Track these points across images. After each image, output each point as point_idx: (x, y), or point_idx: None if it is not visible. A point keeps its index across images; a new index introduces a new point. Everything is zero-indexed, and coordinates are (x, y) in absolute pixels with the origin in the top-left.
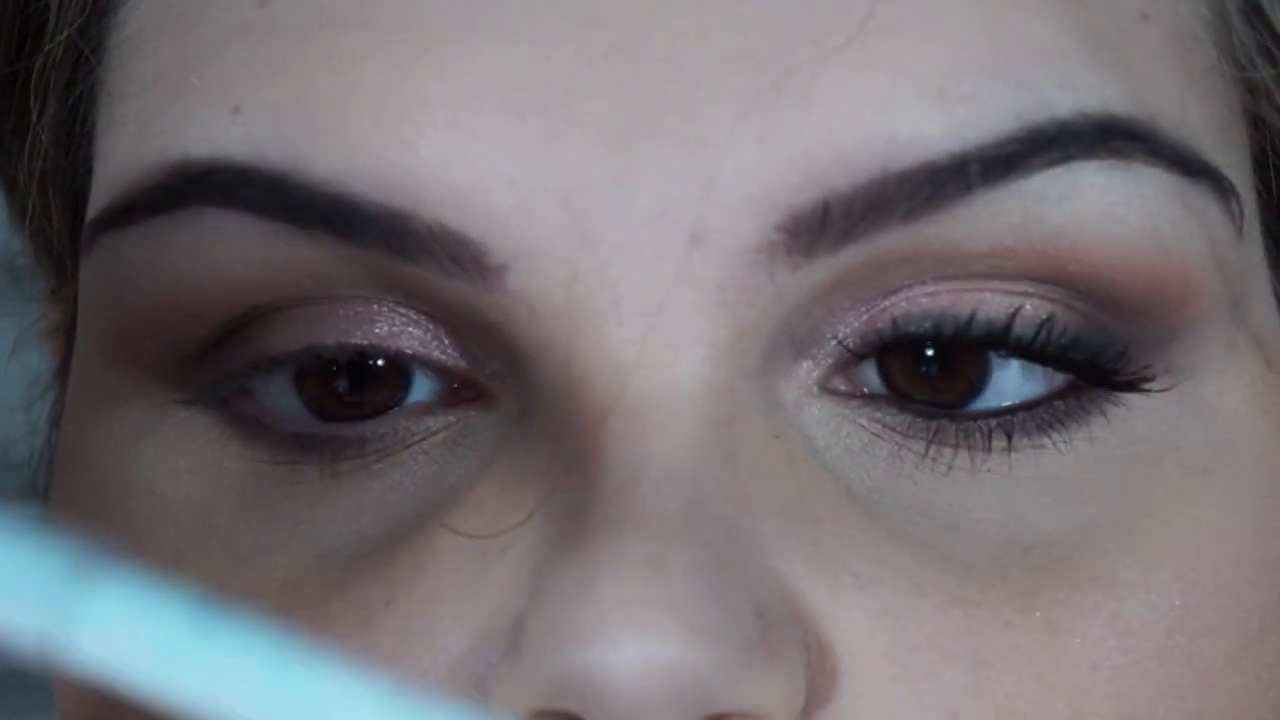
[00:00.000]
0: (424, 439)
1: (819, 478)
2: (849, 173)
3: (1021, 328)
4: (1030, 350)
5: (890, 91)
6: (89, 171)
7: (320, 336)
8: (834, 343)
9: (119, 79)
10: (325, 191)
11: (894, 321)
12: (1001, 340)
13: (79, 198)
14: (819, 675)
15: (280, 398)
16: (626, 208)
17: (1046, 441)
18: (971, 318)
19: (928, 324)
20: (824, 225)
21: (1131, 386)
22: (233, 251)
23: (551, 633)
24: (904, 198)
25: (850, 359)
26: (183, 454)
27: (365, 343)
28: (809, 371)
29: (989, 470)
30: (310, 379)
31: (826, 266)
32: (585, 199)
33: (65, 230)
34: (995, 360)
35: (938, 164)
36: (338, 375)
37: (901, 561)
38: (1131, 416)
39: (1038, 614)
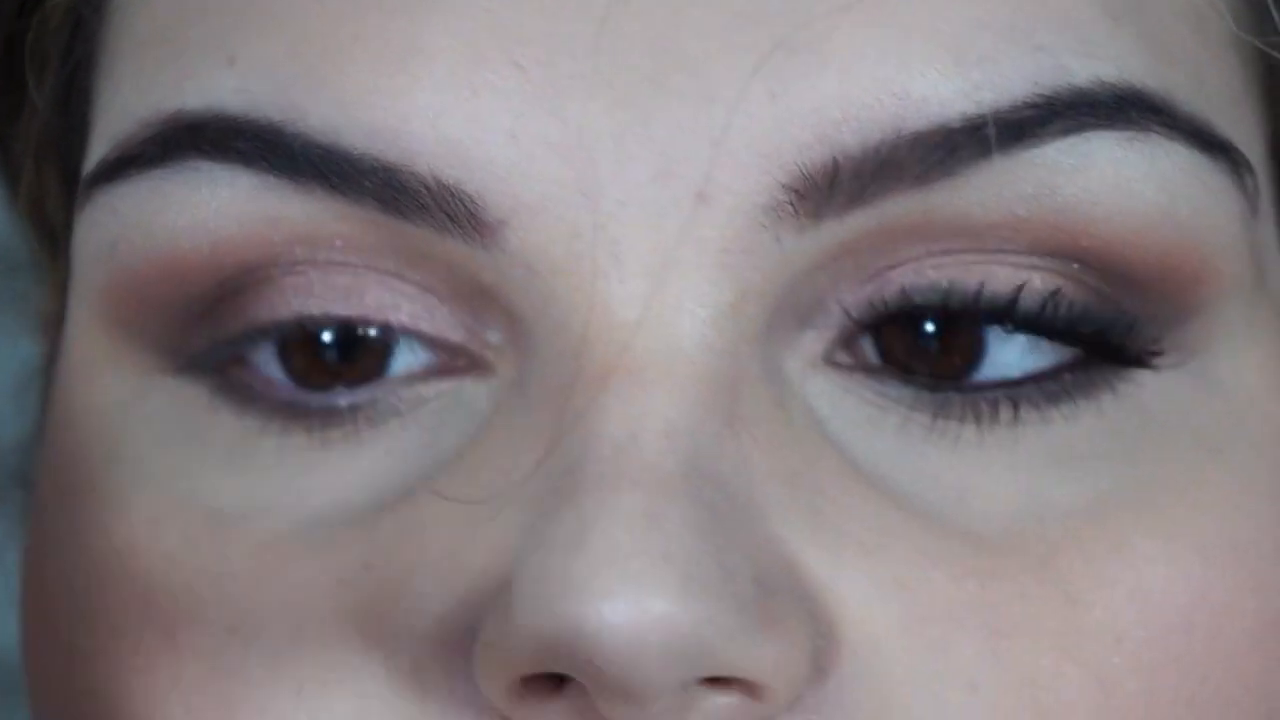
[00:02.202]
0: (416, 407)
1: (822, 449)
2: (860, 131)
3: (1027, 302)
4: (1037, 324)
5: (905, 50)
6: (85, 141)
7: (307, 306)
8: (837, 310)
9: (117, 37)
10: (319, 142)
11: (901, 290)
12: (1007, 314)
13: (75, 168)
14: (825, 646)
15: (270, 366)
16: (630, 164)
17: (1054, 414)
18: (979, 291)
19: (935, 296)
20: (833, 186)
21: (1140, 362)
22: (225, 206)
23: (541, 586)
24: (916, 160)
25: (853, 329)
26: (172, 422)
27: (354, 314)
28: (813, 342)
29: (997, 443)
30: (297, 348)
31: (833, 232)
32: (587, 154)
33: (60, 203)
34: (994, 333)
35: (952, 126)
36: (324, 345)
37: (910, 531)
38: (1141, 393)
39: (1055, 585)
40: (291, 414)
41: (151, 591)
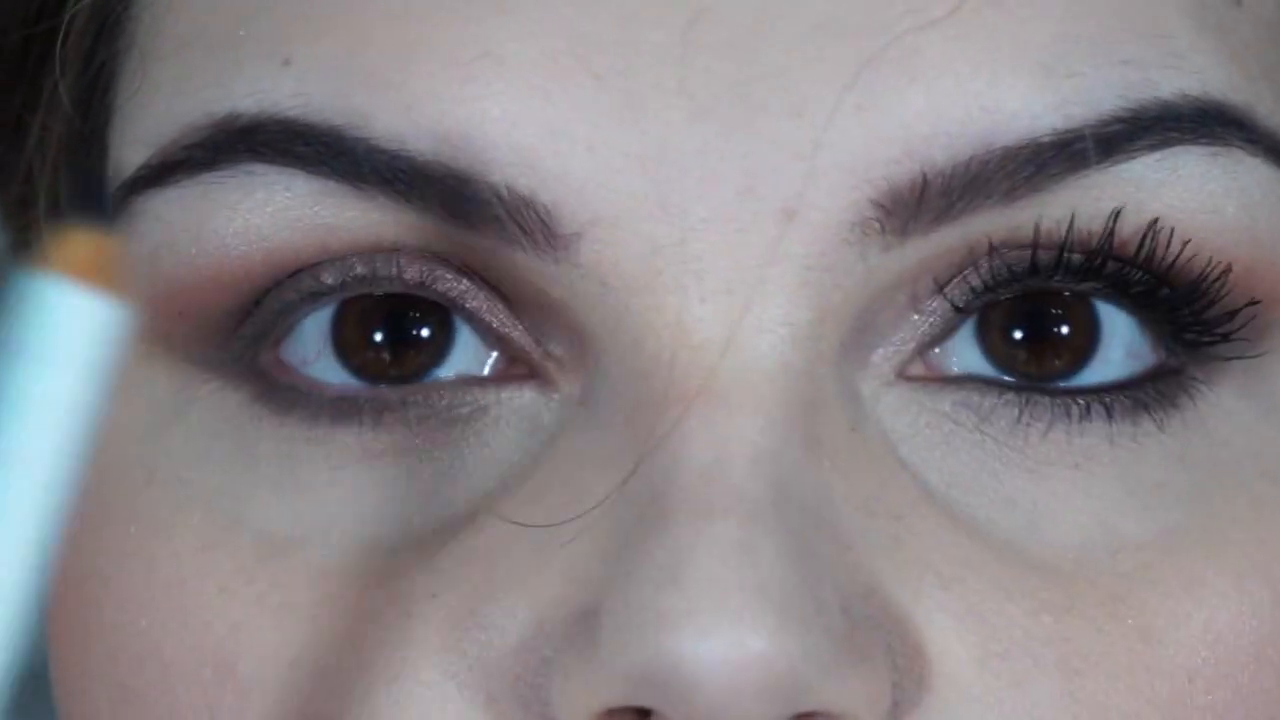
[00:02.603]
0: (473, 416)
1: (897, 473)
2: (950, 147)
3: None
4: (1137, 259)
5: (994, 64)
6: (105, 150)
7: (369, 272)
8: (916, 319)
9: (151, 39)
10: (384, 148)
11: (981, 276)
12: (1101, 254)
13: (92, 176)
14: (905, 679)
15: (314, 356)
16: (713, 178)
17: (1145, 421)
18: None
19: (1020, 266)
20: (920, 202)
21: (1226, 338)
22: (280, 211)
23: (634, 619)
24: (1005, 176)
25: (950, 319)
26: (213, 437)
27: (415, 280)
28: (885, 359)
29: (1075, 465)
30: (349, 332)
31: (917, 249)
32: (669, 167)
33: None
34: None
35: (1042, 141)
36: (377, 328)
37: (985, 562)
38: (1214, 415)
39: (1129, 620)
40: (336, 413)
41: (207, 625)
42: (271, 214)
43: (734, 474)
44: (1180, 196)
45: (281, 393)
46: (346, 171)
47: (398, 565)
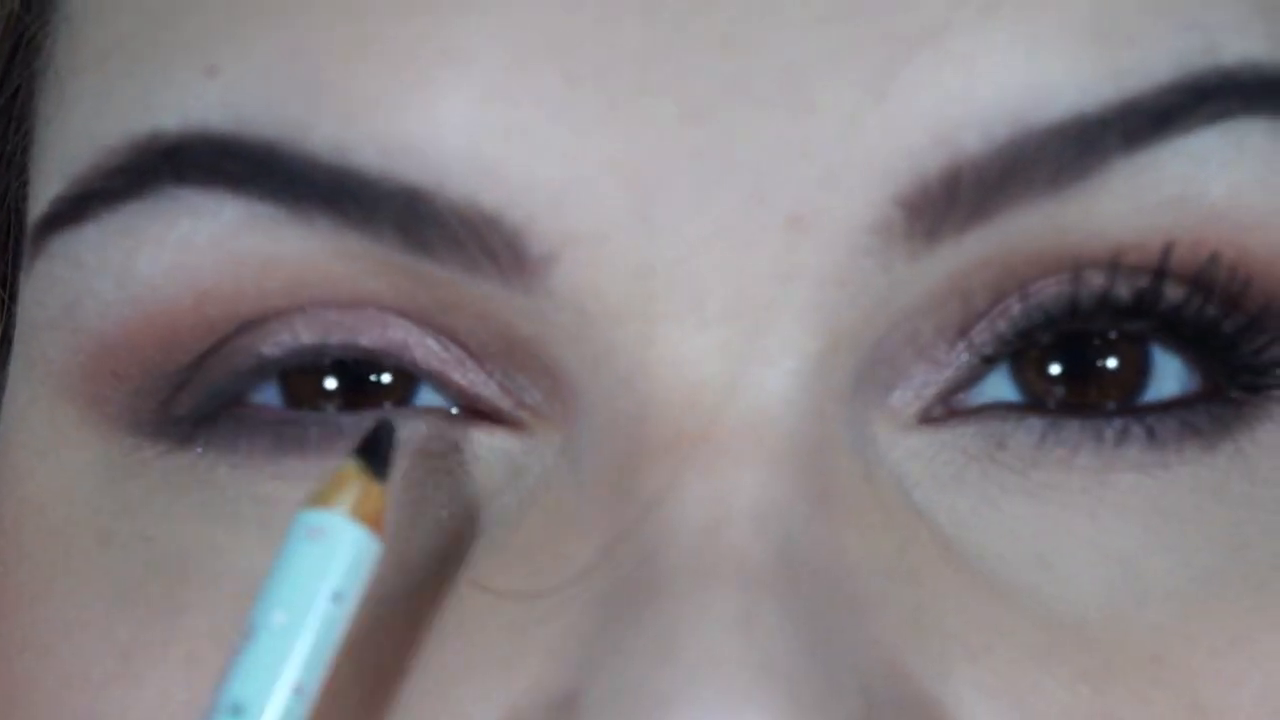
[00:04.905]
0: (445, 452)
1: (914, 526)
2: (984, 130)
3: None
4: (1183, 314)
5: (1036, 33)
6: (24, 186)
7: (321, 337)
8: (943, 359)
9: (67, 55)
10: (323, 162)
11: (1013, 320)
12: (1150, 307)
13: (8, 224)
14: None
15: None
16: (711, 187)
17: (1191, 447)
18: (1105, 294)
19: (1058, 308)
20: (952, 197)
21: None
22: (210, 246)
23: (620, 702)
24: (1048, 158)
25: (976, 368)
26: (176, 490)
27: (374, 347)
28: (904, 402)
29: (1083, 490)
30: (297, 387)
31: (947, 258)
32: (657, 176)
33: None
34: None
35: (1089, 117)
36: (329, 373)
37: (1013, 626)
38: (1256, 453)
39: (1177, 688)
40: (279, 440)
41: (165, 696)
42: (201, 248)
43: (735, 535)
44: (1244, 177)
45: (228, 429)
46: (281, 190)
47: (369, 635)
